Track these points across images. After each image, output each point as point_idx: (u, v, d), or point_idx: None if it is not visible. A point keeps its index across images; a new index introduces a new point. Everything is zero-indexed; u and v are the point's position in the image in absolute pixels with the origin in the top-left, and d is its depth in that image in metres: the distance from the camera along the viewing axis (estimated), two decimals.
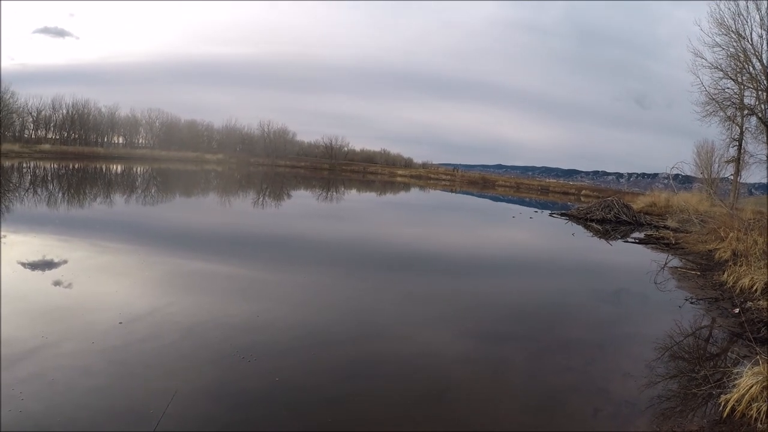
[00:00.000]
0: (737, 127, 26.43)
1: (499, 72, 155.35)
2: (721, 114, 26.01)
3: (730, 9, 23.14)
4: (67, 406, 3.84)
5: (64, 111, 57.45)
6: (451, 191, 48.10)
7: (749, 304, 8.46)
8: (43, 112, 55.93)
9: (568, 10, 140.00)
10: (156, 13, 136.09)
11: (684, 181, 34.87)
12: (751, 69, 23.38)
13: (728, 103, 25.42)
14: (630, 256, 15.19)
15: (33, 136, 55.16)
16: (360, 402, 4.42)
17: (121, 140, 64.73)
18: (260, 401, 4.24)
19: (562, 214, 25.55)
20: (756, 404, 4.34)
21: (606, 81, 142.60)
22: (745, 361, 5.23)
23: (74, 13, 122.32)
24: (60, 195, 18.98)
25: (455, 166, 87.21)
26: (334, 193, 32.33)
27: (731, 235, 13.44)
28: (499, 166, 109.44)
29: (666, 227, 20.90)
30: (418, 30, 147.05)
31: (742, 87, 24.39)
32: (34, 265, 7.70)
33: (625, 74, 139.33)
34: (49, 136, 57.12)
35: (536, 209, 30.46)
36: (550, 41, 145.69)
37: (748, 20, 22.75)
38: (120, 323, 5.54)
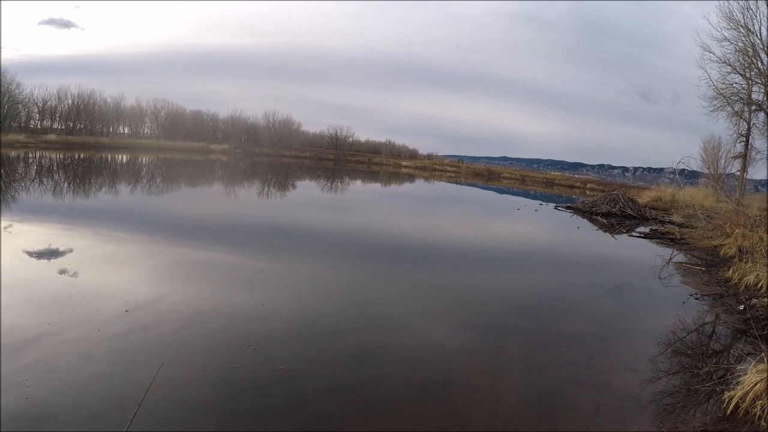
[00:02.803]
0: (744, 123, 26.27)
1: (503, 65, 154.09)
2: (729, 109, 25.89)
3: (739, 3, 22.97)
4: (70, 393, 3.88)
5: (70, 101, 57.28)
6: (456, 183, 47.99)
7: (754, 301, 8.43)
8: (48, 103, 55.72)
9: (573, 3, 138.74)
10: (161, 4, 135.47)
11: (690, 177, 34.75)
12: (759, 64, 23.22)
13: (736, 99, 25.30)
14: (635, 250, 15.13)
15: (38, 127, 55.02)
16: (362, 392, 4.44)
17: (126, 130, 64.50)
18: (264, 389, 4.27)
19: (567, 207, 25.48)
20: (760, 402, 4.32)
21: (611, 75, 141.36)
22: (749, 358, 5.20)
23: (80, 5, 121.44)
24: (65, 185, 19.04)
25: (460, 158, 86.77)
26: (339, 184, 32.31)
27: (737, 231, 13.38)
28: (504, 158, 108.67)
29: (671, 222, 20.80)
30: (423, 22, 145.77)
31: (750, 82, 24.24)
32: (39, 254, 7.74)
33: (631, 68, 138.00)
34: (55, 126, 56.95)
35: (541, 202, 30.38)
36: (555, 34, 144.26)
37: (757, 15, 22.61)
38: (126, 311, 5.57)
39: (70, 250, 8.08)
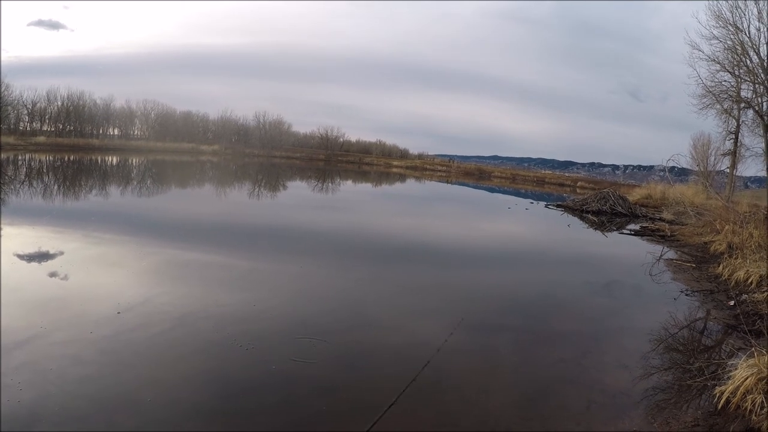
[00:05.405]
0: (734, 120, 26.47)
1: (494, 64, 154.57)
2: (718, 107, 26.03)
3: (727, 2, 23.08)
4: (60, 395, 3.84)
5: (59, 103, 56.65)
6: (447, 182, 48.02)
7: (744, 296, 8.49)
8: (38, 104, 55.05)
9: (561, 3, 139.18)
10: (150, 4, 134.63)
11: (680, 174, 35.06)
12: (748, 62, 23.31)
13: (725, 96, 25.42)
14: (625, 247, 15.23)
15: (28, 129, 54.49)
16: (353, 391, 4.44)
17: (116, 132, 63.98)
18: (255, 389, 4.25)
19: (557, 206, 25.55)
20: (751, 396, 4.35)
21: (601, 73, 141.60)
22: (740, 353, 5.24)
23: (68, 6, 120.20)
24: (55, 187, 18.88)
25: (451, 158, 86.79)
26: (330, 184, 32.23)
27: (727, 227, 13.48)
28: (495, 158, 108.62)
29: (662, 219, 20.94)
30: (414, 21, 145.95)
31: (739, 80, 24.36)
32: (30, 257, 7.66)
33: (619, 66, 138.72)
34: (45, 128, 56.34)
35: (532, 200, 30.48)
36: (545, 33, 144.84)
37: (746, 13, 22.65)
38: (117, 313, 5.54)
39: (61, 253, 8.01)
